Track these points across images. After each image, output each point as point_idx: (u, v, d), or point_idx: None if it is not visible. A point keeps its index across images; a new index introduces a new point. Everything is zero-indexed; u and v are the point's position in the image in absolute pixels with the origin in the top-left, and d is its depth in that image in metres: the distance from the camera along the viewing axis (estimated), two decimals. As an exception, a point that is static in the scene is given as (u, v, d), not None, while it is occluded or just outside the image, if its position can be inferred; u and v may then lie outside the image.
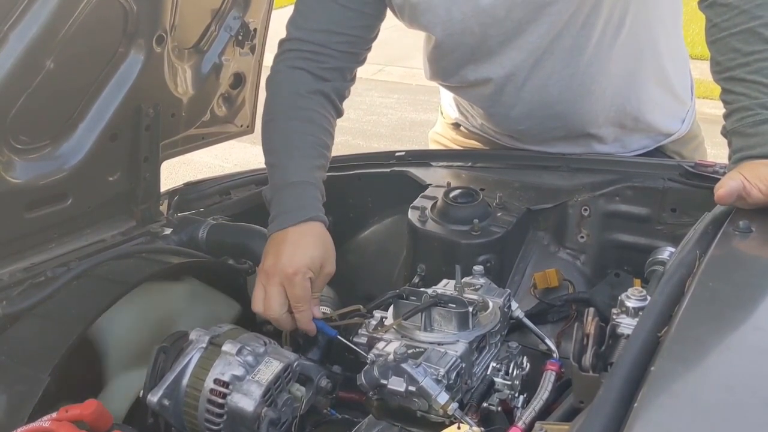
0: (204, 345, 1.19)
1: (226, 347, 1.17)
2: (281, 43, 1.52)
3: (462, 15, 1.47)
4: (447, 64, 1.62)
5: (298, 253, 1.28)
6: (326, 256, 1.32)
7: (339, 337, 1.26)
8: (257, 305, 1.30)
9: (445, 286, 1.28)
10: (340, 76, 1.51)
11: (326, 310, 1.33)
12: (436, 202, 1.50)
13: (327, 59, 1.48)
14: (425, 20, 1.50)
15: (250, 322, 1.42)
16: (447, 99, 1.94)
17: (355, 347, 1.20)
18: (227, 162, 5.47)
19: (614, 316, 1.07)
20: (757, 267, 1.03)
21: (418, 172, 1.71)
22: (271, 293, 1.27)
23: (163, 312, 1.38)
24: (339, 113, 1.52)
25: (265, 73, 1.60)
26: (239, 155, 5.46)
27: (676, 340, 0.79)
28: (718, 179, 1.16)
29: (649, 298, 1.05)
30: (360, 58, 1.54)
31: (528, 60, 1.52)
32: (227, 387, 1.14)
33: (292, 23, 1.51)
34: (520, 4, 1.43)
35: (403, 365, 1.07)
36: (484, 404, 1.14)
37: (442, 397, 1.06)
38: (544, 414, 1.09)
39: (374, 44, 1.57)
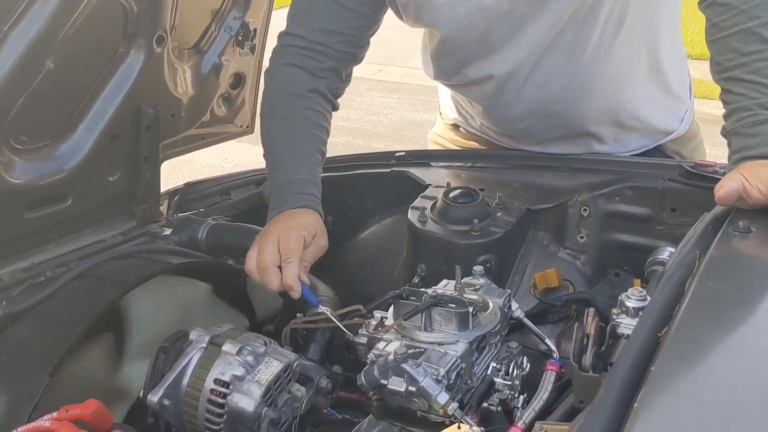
0: (204, 345, 1.19)
1: (227, 347, 1.17)
2: (281, 35, 1.56)
3: (466, 11, 1.47)
4: (450, 62, 1.62)
5: (293, 220, 1.38)
6: (319, 230, 1.39)
7: (324, 310, 1.28)
8: (250, 262, 1.35)
9: (445, 287, 1.28)
10: (336, 76, 1.55)
11: (326, 310, 1.33)
12: (435, 202, 1.50)
13: (325, 59, 1.52)
14: (430, 17, 1.51)
15: (249, 322, 1.42)
16: (446, 100, 1.94)
17: (343, 328, 1.23)
18: (227, 162, 5.47)
19: (614, 316, 1.07)
20: (757, 267, 1.03)
21: (418, 172, 1.71)
22: (264, 246, 1.33)
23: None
24: (335, 108, 1.58)
25: (265, 73, 1.61)
26: (239, 155, 5.45)
27: (676, 340, 0.79)
28: (718, 179, 1.16)
29: (649, 298, 1.05)
30: (357, 58, 1.57)
31: (530, 57, 1.52)
32: (227, 387, 1.14)
33: (292, 18, 1.54)
34: None
35: (403, 365, 1.07)
36: (484, 404, 1.14)
37: (442, 397, 1.06)
38: (544, 414, 1.09)
39: (374, 44, 1.59)
